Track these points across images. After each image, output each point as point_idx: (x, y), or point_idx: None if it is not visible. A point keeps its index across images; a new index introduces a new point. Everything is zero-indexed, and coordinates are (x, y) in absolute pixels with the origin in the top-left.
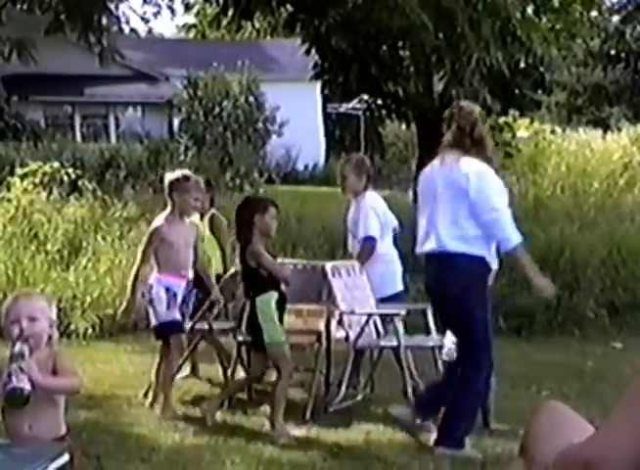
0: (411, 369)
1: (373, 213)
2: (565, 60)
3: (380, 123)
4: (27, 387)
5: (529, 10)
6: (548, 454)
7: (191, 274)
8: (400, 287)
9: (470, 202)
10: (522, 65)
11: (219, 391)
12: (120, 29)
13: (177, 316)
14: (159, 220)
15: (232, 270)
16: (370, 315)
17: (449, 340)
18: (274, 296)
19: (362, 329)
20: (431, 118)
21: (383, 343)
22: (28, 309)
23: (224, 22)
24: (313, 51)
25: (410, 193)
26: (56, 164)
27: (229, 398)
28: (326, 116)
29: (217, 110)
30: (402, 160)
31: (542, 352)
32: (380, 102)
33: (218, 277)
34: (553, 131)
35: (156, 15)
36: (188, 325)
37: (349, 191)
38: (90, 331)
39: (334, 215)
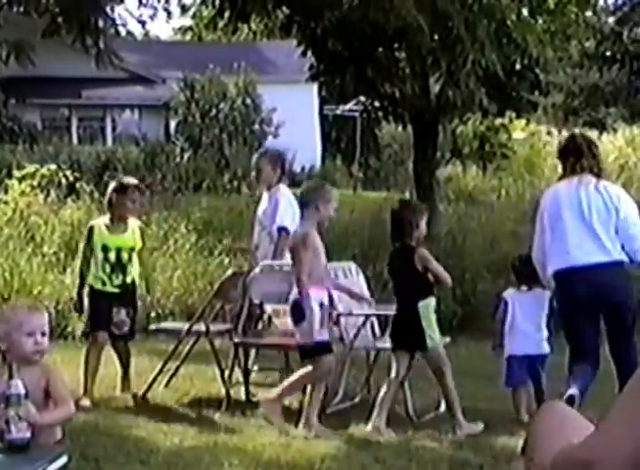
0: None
1: (288, 206)
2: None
3: (376, 125)
4: (27, 435)
5: (525, 11)
6: (547, 454)
7: None
8: None
9: (619, 219)
10: (517, 66)
11: (221, 392)
12: (117, 32)
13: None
14: None
15: (229, 272)
16: (367, 317)
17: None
18: (433, 301)
19: (359, 331)
20: (427, 120)
21: (379, 344)
22: (42, 323)
23: (220, 24)
24: (309, 53)
25: (407, 194)
26: (53, 167)
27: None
28: (322, 117)
29: (214, 112)
30: (398, 161)
31: None
32: (376, 103)
33: None
34: (549, 132)
35: (152, 17)
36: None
37: (264, 183)
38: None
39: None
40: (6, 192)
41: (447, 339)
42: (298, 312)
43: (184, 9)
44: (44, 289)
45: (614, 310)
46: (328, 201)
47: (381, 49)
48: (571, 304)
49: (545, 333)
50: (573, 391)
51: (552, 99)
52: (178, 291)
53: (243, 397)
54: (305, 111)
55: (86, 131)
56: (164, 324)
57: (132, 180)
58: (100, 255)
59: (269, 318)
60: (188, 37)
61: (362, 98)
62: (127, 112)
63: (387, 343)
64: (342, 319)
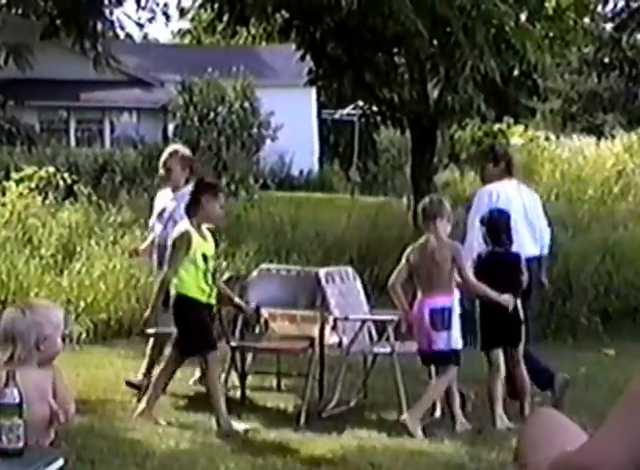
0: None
1: None
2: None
3: (374, 130)
4: (20, 445)
5: (523, 18)
6: (542, 461)
7: None
8: None
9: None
10: (516, 72)
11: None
12: (115, 35)
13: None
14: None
15: (226, 276)
16: (364, 321)
17: None
18: None
19: (356, 335)
20: (425, 125)
21: (376, 349)
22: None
23: (219, 27)
24: (308, 57)
25: (404, 199)
26: (51, 169)
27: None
28: (320, 122)
29: (212, 115)
30: (396, 166)
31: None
32: (374, 108)
33: None
34: (547, 138)
35: (150, 20)
36: None
37: (171, 183)
38: (84, 336)
39: (328, 221)
40: (3, 194)
41: None
42: (449, 319)
43: (183, 12)
44: (41, 291)
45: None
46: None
47: (379, 54)
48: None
49: None
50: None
51: (550, 105)
52: None
53: (239, 400)
54: (303, 115)
55: (84, 134)
56: (162, 328)
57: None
58: (202, 265)
59: (266, 322)
60: (187, 41)
61: (360, 102)
62: (125, 114)
63: (384, 347)
64: (339, 323)
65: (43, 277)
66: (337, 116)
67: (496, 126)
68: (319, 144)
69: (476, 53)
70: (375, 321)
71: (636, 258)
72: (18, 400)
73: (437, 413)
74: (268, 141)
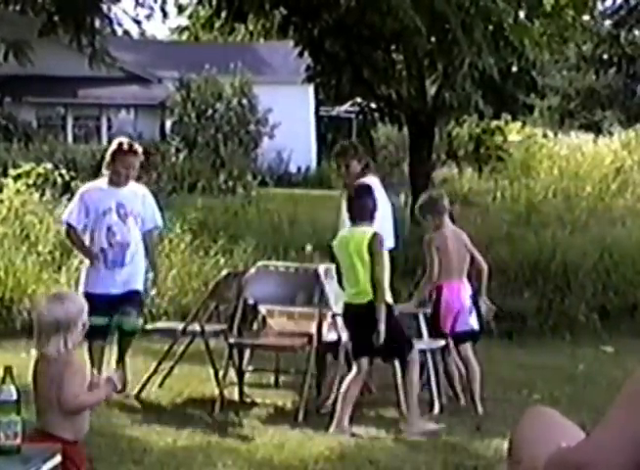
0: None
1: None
2: (557, 64)
3: (372, 126)
4: (17, 442)
5: (522, 14)
6: (538, 458)
7: None
8: None
9: None
10: (514, 69)
11: (215, 392)
12: (113, 31)
13: None
14: None
15: (223, 273)
16: None
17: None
18: None
19: None
20: (423, 122)
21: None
22: None
23: (217, 24)
24: (306, 54)
25: (402, 196)
26: (49, 166)
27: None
28: (318, 118)
29: (210, 112)
30: (394, 163)
31: (533, 355)
32: (372, 105)
33: None
34: (545, 135)
35: (148, 17)
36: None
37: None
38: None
39: (326, 218)
40: (1, 191)
41: (442, 342)
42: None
43: (181, 9)
44: (39, 288)
45: None
46: None
47: (378, 51)
48: None
49: None
50: None
51: (548, 102)
52: (172, 291)
53: (237, 397)
54: (301, 112)
55: (82, 130)
56: (159, 324)
57: None
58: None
59: (263, 319)
60: (184, 37)
61: (358, 99)
62: (123, 111)
63: None
64: (338, 320)
65: (41, 274)
66: (334, 112)
67: (494, 123)
68: (317, 141)
69: (474, 50)
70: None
71: (634, 254)
72: (15, 397)
73: (436, 410)
74: (266, 138)
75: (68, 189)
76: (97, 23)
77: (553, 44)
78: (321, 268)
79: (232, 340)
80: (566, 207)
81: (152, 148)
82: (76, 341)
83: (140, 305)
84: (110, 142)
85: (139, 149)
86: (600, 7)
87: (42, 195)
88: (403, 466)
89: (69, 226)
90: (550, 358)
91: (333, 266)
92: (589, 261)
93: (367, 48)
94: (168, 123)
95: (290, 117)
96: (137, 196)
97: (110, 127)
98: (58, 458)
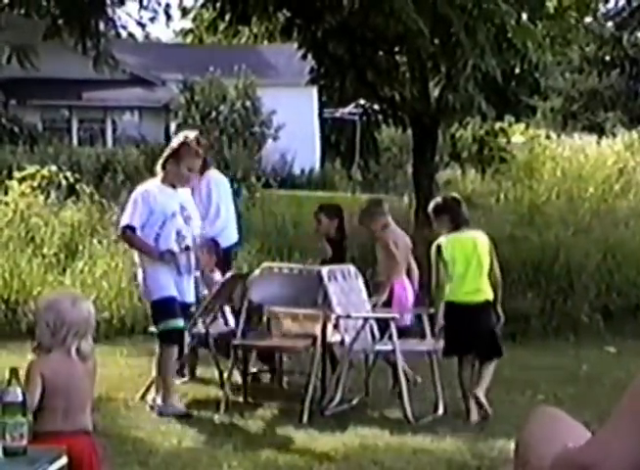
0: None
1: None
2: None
3: (375, 128)
4: (23, 443)
5: (524, 16)
6: (544, 458)
7: None
8: None
9: None
10: (517, 71)
11: (220, 393)
12: (117, 34)
13: None
14: None
15: (228, 275)
16: (366, 319)
17: None
18: None
19: (358, 333)
20: (426, 123)
21: (378, 347)
22: None
23: (221, 26)
24: (310, 56)
25: (406, 198)
26: (53, 168)
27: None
28: (322, 120)
29: (214, 114)
30: (397, 165)
31: (537, 356)
32: (376, 107)
33: None
34: (548, 137)
35: (152, 20)
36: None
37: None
38: None
39: None
40: (6, 193)
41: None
42: None
43: (184, 12)
44: (44, 290)
45: None
46: None
47: (381, 53)
48: None
49: None
50: None
51: (551, 103)
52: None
53: (241, 398)
54: (305, 114)
55: (86, 133)
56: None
57: None
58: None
59: (268, 320)
60: (189, 40)
61: (362, 101)
62: (127, 114)
63: (386, 345)
64: (342, 322)
65: (46, 276)
66: (338, 114)
67: (497, 125)
68: (321, 143)
69: (477, 52)
70: (377, 319)
71: (637, 255)
72: (21, 399)
73: (440, 411)
74: (270, 140)
75: (72, 191)
76: (101, 26)
77: (556, 46)
78: (324, 270)
79: (237, 341)
80: (569, 208)
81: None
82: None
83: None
84: (114, 144)
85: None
86: (603, 9)
87: (47, 197)
88: (407, 467)
89: (130, 229)
90: (553, 359)
91: (335, 267)
92: (592, 262)
93: (370, 50)
94: (173, 126)
95: (293, 119)
96: (190, 198)
97: (114, 130)
98: (64, 460)
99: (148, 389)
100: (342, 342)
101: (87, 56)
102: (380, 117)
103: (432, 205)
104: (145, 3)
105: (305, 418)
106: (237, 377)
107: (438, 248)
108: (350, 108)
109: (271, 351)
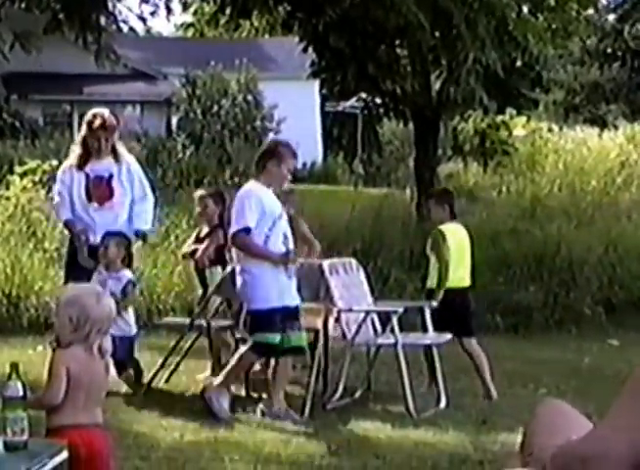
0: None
1: None
2: (561, 58)
3: (377, 122)
4: (24, 438)
5: (525, 9)
6: (547, 450)
7: None
8: None
9: None
10: (518, 64)
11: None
12: (118, 28)
13: None
14: None
15: (229, 268)
16: (367, 313)
17: None
18: None
19: (359, 327)
20: (428, 117)
21: (380, 340)
22: None
23: (222, 20)
24: (311, 49)
25: (407, 191)
26: (55, 163)
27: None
28: (324, 114)
29: (215, 108)
30: (399, 158)
31: (539, 349)
32: (377, 100)
33: None
34: (550, 129)
35: (153, 14)
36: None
37: None
38: None
39: (332, 213)
40: (7, 188)
41: (449, 335)
42: None
43: (185, 6)
44: (45, 285)
45: None
46: None
47: (382, 46)
48: None
49: None
50: None
51: (553, 96)
52: (179, 287)
53: (243, 392)
54: (307, 107)
55: None
56: (166, 319)
57: None
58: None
59: None
60: (190, 34)
61: (363, 95)
62: (129, 108)
63: (388, 339)
64: (343, 315)
65: (47, 270)
66: (340, 108)
67: (499, 118)
68: (322, 136)
69: (478, 45)
70: (379, 313)
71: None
72: (22, 394)
73: (442, 404)
74: (272, 134)
75: None
76: (102, 21)
77: (557, 38)
78: (326, 264)
79: (238, 334)
80: (571, 201)
81: None
82: None
83: None
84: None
85: None
86: (604, 1)
87: (48, 192)
88: (410, 460)
89: (247, 231)
90: (556, 352)
91: (337, 261)
92: (594, 255)
93: (371, 43)
94: (174, 120)
95: (295, 113)
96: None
97: None
98: (65, 454)
99: (150, 382)
100: (344, 335)
101: (88, 50)
102: (381, 110)
103: (436, 192)
104: None
105: (307, 412)
106: None
107: (442, 234)
108: (352, 101)
109: None
